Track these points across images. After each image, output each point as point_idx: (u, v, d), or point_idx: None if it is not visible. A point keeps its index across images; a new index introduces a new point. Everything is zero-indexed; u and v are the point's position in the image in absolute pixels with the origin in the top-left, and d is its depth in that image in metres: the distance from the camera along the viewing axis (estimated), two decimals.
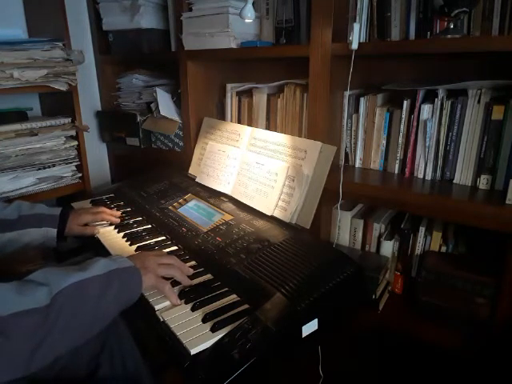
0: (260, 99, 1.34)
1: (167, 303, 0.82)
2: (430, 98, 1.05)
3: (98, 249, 1.07)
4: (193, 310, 0.79)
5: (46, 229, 1.04)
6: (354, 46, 0.98)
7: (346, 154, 1.21)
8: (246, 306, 0.80)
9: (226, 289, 0.86)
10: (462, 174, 1.01)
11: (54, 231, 1.05)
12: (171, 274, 0.85)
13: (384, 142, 1.13)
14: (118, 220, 1.18)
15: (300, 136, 1.23)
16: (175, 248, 1.04)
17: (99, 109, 1.75)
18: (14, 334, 0.59)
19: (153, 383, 1.04)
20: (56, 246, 1.09)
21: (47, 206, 1.10)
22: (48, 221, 1.06)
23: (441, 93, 1.00)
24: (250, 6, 1.08)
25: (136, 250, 1.03)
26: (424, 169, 1.06)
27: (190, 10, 1.30)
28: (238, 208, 1.17)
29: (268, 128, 1.34)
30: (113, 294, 0.70)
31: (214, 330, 0.73)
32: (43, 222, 1.05)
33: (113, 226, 1.16)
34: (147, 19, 1.46)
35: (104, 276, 0.71)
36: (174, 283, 0.87)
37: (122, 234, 1.12)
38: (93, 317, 0.69)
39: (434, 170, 1.05)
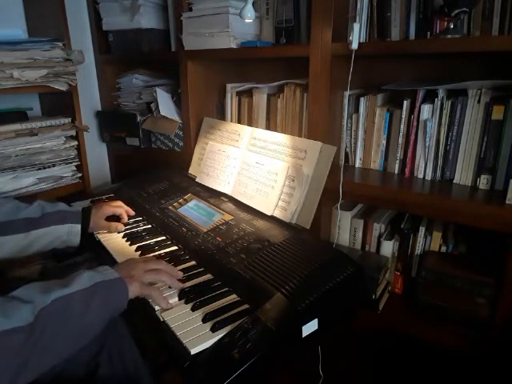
0: (260, 99, 1.34)
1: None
2: (430, 97, 1.05)
3: (98, 249, 1.07)
4: (193, 309, 0.79)
5: (69, 225, 1.04)
6: (354, 46, 0.98)
7: (346, 154, 1.21)
8: (246, 306, 0.80)
9: (226, 289, 0.86)
10: (462, 174, 1.01)
11: (77, 227, 1.05)
12: (159, 279, 0.84)
13: (384, 141, 1.13)
14: (124, 224, 1.17)
15: (300, 136, 1.23)
16: (175, 248, 1.04)
17: (99, 109, 1.75)
18: (0, 353, 0.58)
19: (153, 383, 1.04)
20: (79, 244, 1.08)
21: (67, 205, 1.11)
22: (71, 217, 1.05)
23: (441, 93, 1.00)
24: (249, 6, 1.08)
25: (136, 250, 1.03)
26: (424, 169, 1.06)
27: (190, 9, 1.30)
28: (238, 208, 1.17)
29: (268, 128, 1.34)
30: (97, 307, 0.70)
31: (214, 329, 0.73)
32: (66, 219, 1.04)
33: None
34: (147, 19, 1.46)
35: (88, 290, 0.70)
36: None
37: (121, 234, 1.12)
38: (78, 331, 0.68)
39: (434, 170, 1.05)
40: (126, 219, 1.19)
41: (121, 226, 1.13)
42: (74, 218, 1.06)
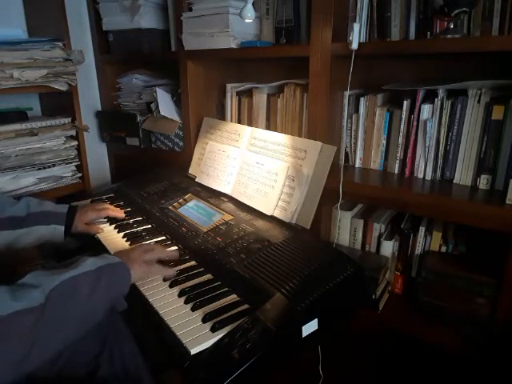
0: (260, 99, 1.34)
1: (167, 302, 0.82)
2: (430, 97, 1.05)
3: (98, 249, 1.07)
4: (193, 310, 0.79)
5: (53, 226, 1.05)
6: (354, 46, 0.98)
7: (346, 154, 1.21)
8: (246, 306, 0.80)
9: (226, 289, 0.86)
10: (462, 174, 1.01)
11: (61, 228, 1.06)
12: (156, 255, 0.89)
13: (384, 141, 1.13)
14: (123, 215, 1.20)
15: (300, 136, 1.23)
16: (175, 248, 1.04)
17: (99, 109, 1.75)
18: (12, 334, 0.59)
19: (153, 383, 1.04)
20: (63, 243, 1.10)
21: (54, 203, 1.11)
22: (55, 218, 1.06)
23: (441, 93, 1.00)
24: (249, 6, 1.08)
25: None
26: (424, 169, 1.06)
27: (190, 10, 1.30)
28: (238, 208, 1.17)
29: (268, 128, 1.34)
30: (103, 288, 0.72)
31: (214, 329, 0.73)
32: (51, 220, 1.05)
33: (113, 226, 1.17)
34: (147, 19, 1.46)
35: (93, 272, 0.73)
36: (173, 284, 0.87)
37: (122, 233, 1.12)
38: (85, 313, 0.70)
39: (434, 170, 1.05)
40: (120, 216, 1.19)
41: (100, 230, 1.14)
42: (58, 219, 1.07)
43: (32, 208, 1.05)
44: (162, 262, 0.92)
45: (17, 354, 0.59)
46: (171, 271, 0.89)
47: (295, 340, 0.75)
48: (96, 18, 1.61)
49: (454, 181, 1.02)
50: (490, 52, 0.87)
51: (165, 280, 0.89)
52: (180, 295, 0.84)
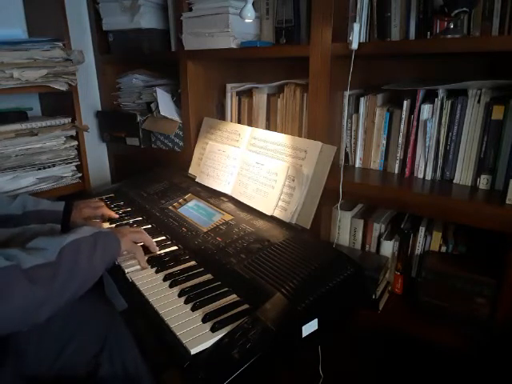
0: (260, 99, 1.34)
1: (167, 302, 0.82)
2: (430, 97, 1.05)
3: None
4: (193, 309, 0.79)
5: (50, 225, 1.06)
6: (354, 46, 0.98)
7: (346, 154, 1.21)
8: (246, 306, 0.80)
9: (226, 289, 0.86)
10: (462, 174, 1.01)
11: (58, 227, 1.07)
12: (142, 238, 0.98)
13: (384, 141, 1.13)
14: (117, 216, 1.21)
15: (300, 136, 1.23)
16: (175, 248, 1.04)
17: (99, 109, 1.75)
18: (34, 283, 0.67)
19: (153, 383, 1.05)
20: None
21: (50, 201, 1.12)
22: (52, 217, 1.07)
23: (441, 93, 1.00)
24: (249, 6, 1.08)
25: None
26: (424, 169, 1.06)
27: (190, 9, 1.30)
28: (238, 208, 1.17)
29: (268, 128, 1.34)
30: (100, 251, 0.81)
31: (214, 329, 0.73)
32: (47, 219, 1.06)
33: (113, 226, 1.17)
34: (147, 19, 1.46)
35: (91, 237, 0.82)
36: (173, 284, 0.87)
37: None
38: (87, 271, 0.78)
39: (434, 170, 1.05)
40: (114, 216, 1.20)
41: (99, 225, 1.15)
42: (54, 218, 1.08)
43: (28, 207, 1.05)
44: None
45: (36, 299, 0.67)
46: (146, 264, 0.95)
47: (295, 340, 0.75)
48: (96, 18, 1.60)
49: (454, 181, 1.02)
50: (490, 52, 0.87)
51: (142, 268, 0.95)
52: (180, 295, 0.84)
